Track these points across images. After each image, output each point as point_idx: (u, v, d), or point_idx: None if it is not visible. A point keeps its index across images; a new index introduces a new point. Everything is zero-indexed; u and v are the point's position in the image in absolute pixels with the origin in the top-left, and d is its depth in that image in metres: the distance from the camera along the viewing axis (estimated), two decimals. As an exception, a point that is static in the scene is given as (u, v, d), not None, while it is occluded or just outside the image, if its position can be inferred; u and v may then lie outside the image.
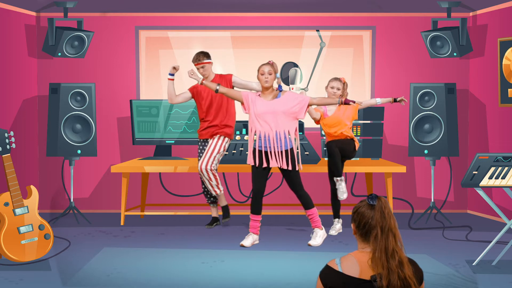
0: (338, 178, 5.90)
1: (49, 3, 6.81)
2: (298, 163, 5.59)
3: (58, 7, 6.82)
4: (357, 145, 6.02)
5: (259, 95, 5.58)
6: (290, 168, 5.52)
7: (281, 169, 5.57)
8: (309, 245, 5.60)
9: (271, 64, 5.58)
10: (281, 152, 5.49)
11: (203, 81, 5.69)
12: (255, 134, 5.53)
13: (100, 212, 7.38)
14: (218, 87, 5.60)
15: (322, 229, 5.71)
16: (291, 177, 5.59)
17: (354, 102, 5.55)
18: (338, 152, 5.89)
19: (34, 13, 7.28)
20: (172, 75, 5.97)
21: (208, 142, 6.23)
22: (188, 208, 7.29)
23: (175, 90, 6.04)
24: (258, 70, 5.56)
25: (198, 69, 6.10)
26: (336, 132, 5.96)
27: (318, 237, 5.65)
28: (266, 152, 5.52)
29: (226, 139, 6.17)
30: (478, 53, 7.21)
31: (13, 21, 7.01)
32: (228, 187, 7.19)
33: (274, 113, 5.46)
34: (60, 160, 7.14)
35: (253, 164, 5.57)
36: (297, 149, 5.60)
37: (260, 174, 5.57)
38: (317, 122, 6.11)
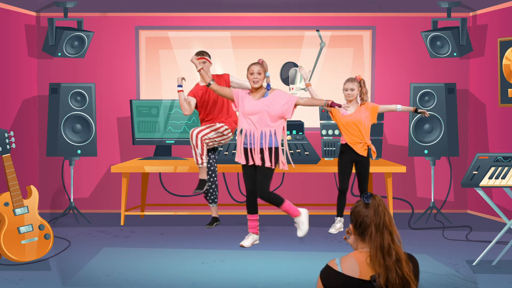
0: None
1: (49, 3, 6.81)
2: (284, 163, 5.58)
3: (58, 7, 6.82)
4: (374, 154, 5.99)
5: (249, 93, 5.60)
6: (267, 164, 5.46)
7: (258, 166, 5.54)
8: (300, 236, 5.54)
9: (260, 63, 5.57)
10: (262, 149, 5.47)
11: (202, 70, 5.71)
12: (241, 132, 5.56)
13: (100, 212, 7.38)
14: (211, 82, 5.61)
15: (300, 214, 5.59)
16: (261, 174, 5.52)
17: (340, 106, 5.51)
18: (350, 168, 5.98)
19: (34, 13, 7.28)
20: (181, 86, 5.99)
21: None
22: (188, 208, 7.30)
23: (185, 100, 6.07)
24: (248, 70, 5.55)
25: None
26: (356, 133, 5.89)
27: (301, 223, 5.57)
28: (251, 150, 5.51)
29: (228, 128, 6.18)
30: (478, 53, 7.21)
31: (13, 21, 7.01)
32: (228, 187, 7.19)
33: (260, 112, 5.47)
34: (60, 160, 7.14)
35: (240, 162, 5.58)
36: (282, 146, 5.58)
37: (250, 173, 5.56)
38: (331, 116, 6.04)
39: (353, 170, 6.09)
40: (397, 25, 7.41)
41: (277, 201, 5.55)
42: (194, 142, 5.98)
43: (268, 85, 5.58)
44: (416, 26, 7.33)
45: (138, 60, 7.42)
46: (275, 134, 5.50)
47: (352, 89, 5.87)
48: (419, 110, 5.93)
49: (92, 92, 6.69)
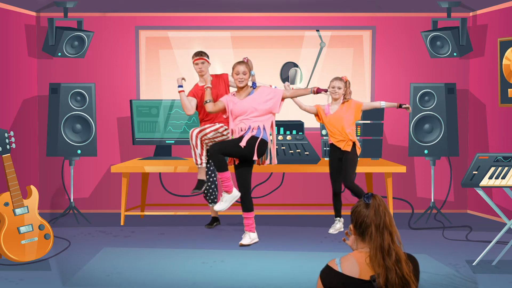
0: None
1: (49, 3, 6.81)
2: (267, 158, 5.61)
3: (58, 7, 6.82)
4: (358, 150, 5.97)
5: (234, 94, 5.64)
6: (254, 157, 5.49)
7: (242, 158, 5.56)
8: (215, 209, 5.57)
9: (246, 62, 5.58)
10: (251, 137, 5.51)
11: (208, 87, 5.77)
12: (231, 133, 5.63)
13: (100, 212, 7.38)
14: (208, 101, 5.70)
15: (232, 192, 5.54)
16: (244, 168, 5.55)
17: (326, 90, 5.62)
18: (339, 166, 5.98)
19: (34, 13, 7.28)
20: (181, 86, 5.98)
21: None
22: (188, 208, 7.30)
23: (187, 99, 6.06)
24: (233, 69, 5.57)
25: (197, 63, 6.13)
26: (338, 131, 5.93)
27: (225, 200, 5.55)
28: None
29: (228, 128, 6.19)
30: (478, 53, 7.21)
31: (13, 21, 7.01)
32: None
33: (246, 111, 5.52)
34: (60, 160, 7.14)
35: (232, 164, 5.63)
36: (270, 142, 5.62)
37: (243, 171, 5.56)
38: (317, 118, 6.09)
39: None
40: (397, 25, 7.41)
41: (222, 166, 5.48)
42: (193, 142, 5.98)
43: (254, 83, 5.61)
44: (416, 26, 7.33)
45: (138, 60, 7.42)
46: (263, 128, 5.53)
47: (339, 87, 5.92)
48: (403, 106, 5.95)
49: (92, 92, 6.69)
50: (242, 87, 5.58)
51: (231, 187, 5.53)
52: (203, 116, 6.26)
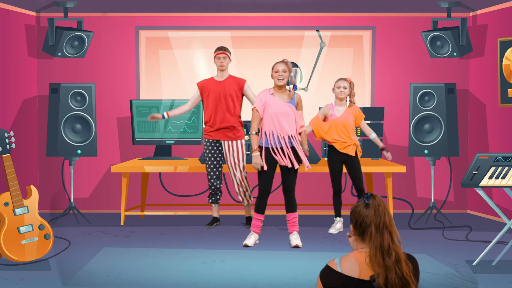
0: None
1: (49, 3, 6.81)
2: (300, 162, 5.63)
3: (58, 7, 6.82)
4: (359, 153, 6.07)
5: (272, 93, 5.56)
6: (297, 165, 5.53)
7: (284, 167, 5.55)
8: (299, 245, 5.56)
9: (285, 62, 5.56)
10: (291, 148, 5.53)
11: (255, 153, 5.54)
12: (265, 134, 5.54)
13: (100, 212, 7.38)
14: (254, 133, 5.54)
15: (298, 230, 5.69)
16: (293, 173, 5.57)
17: (308, 167, 5.55)
18: (340, 168, 6.05)
19: (34, 13, 7.28)
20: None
21: (220, 144, 6.24)
22: (188, 208, 7.30)
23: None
24: (272, 69, 5.54)
25: (219, 58, 6.15)
26: (346, 135, 5.98)
27: (298, 237, 5.64)
28: (276, 149, 5.50)
29: (243, 141, 6.25)
30: (478, 53, 7.21)
31: (13, 21, 7.01)
32: (228, 186, 7.19)
33: (289, 115, 5.49)
34: (60, 160, 7.14)
35: (266, 165, 5.50)
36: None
37: (269, 173, 5.54)
38: (315, 135, 6.14)
39: (344, 170, 6.14)
40: (397, 25, 7.41)
41: (295, 206, 5.65)
42: (246, 184, 6.27)
43: (295, 86, 5.58)
44: (416, 26, 7.33)
45: (138, 60, 7.42)
46: (296, 135, 5.58)
47: (344, 87, 5.98)
48: (384, 151, 6.15)
49: (92, 92, 6.69)
50: (281, 87, 5.54)
51: (297, 227, 5.67)
52: (209, 117, 6.27)
